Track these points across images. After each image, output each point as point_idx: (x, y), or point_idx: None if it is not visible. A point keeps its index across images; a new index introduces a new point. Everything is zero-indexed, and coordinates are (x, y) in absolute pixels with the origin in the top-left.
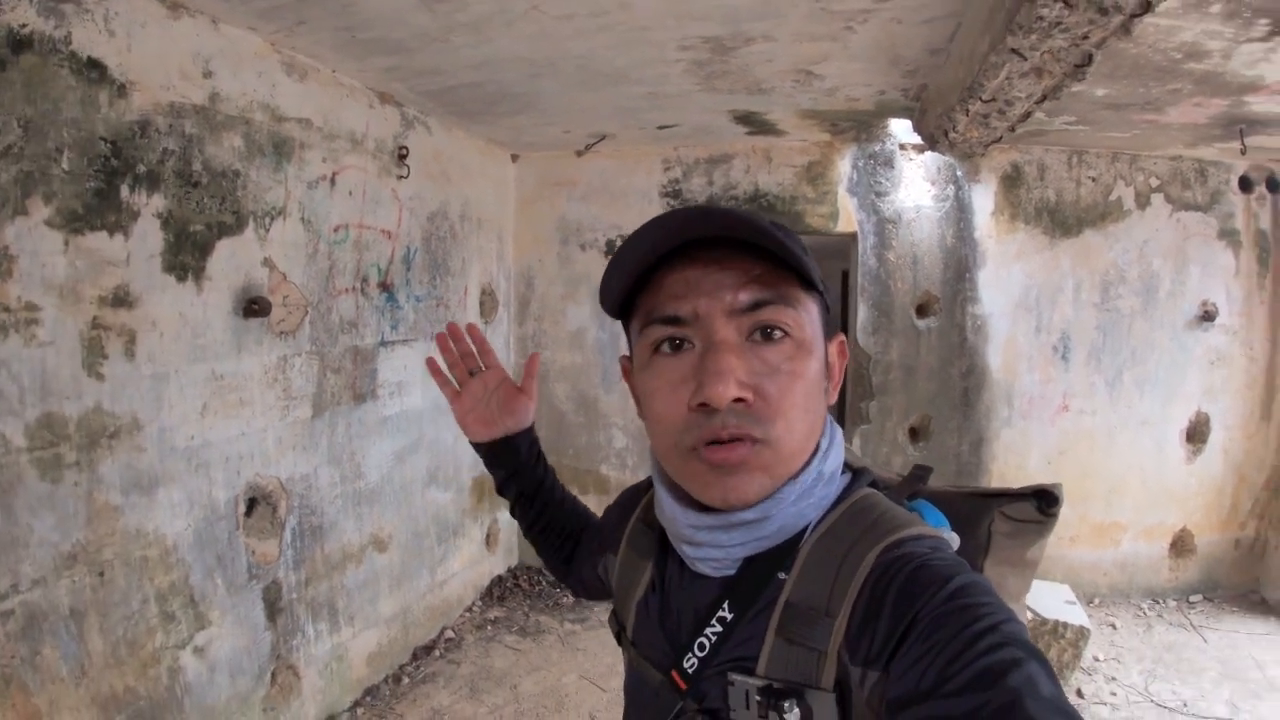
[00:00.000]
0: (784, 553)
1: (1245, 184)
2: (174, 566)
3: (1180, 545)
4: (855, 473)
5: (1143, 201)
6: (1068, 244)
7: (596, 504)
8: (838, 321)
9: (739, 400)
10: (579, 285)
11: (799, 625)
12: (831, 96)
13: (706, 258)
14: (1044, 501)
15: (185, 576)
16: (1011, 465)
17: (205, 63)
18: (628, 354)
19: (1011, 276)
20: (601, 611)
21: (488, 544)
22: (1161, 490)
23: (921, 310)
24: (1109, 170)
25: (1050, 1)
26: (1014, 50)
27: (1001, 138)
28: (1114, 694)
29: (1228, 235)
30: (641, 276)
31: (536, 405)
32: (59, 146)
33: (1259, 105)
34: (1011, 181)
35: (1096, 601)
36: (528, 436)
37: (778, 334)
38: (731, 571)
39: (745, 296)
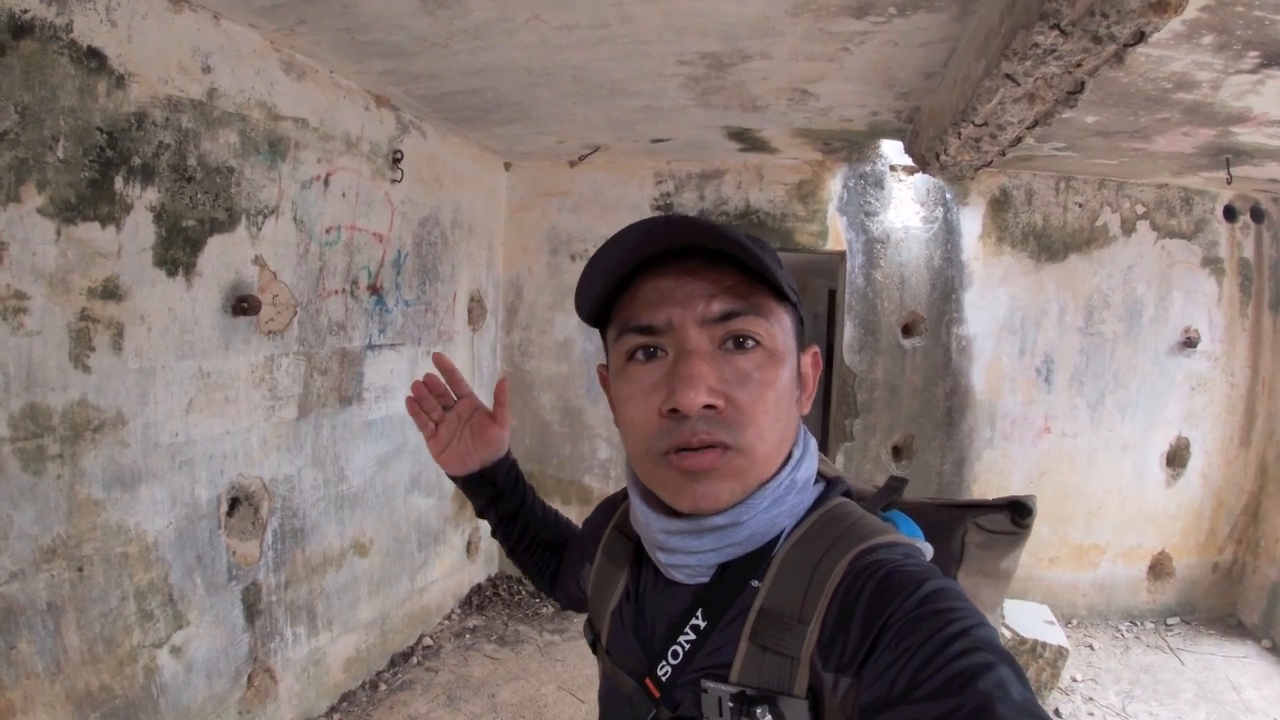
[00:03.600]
0: (757, 560)
1: (1230, 213)
2: (154, 564)
3: (1158, 568)
4: (829, 482)
5: (1128, 228)
6: (1053, 268)
7: (579, 515)
8: (820, 334)
9: (710, 407)
10: (567, 295)
11: (772, 632)
12: (825, 116)
13: (680, 267)
14: (1017, 513)
15: (165, 575)
16: (993, 485)
17: (205, 58)
18: (605, 363)
19: (997, 299)
20: (581, 622)
21: (468, 552)
22: (1140, 513)
23: (907, 330)
24: (1096, 196)
25: (1045, 29)
26: (1008, 75)
27: (992, 162)
28: (1091, 714)
29: (1211, 263)
30: (617, 284)
31: (509, 432)
32: (55, 135)
33: (1246, 136)
34: (999, 205)
35: (1075, 622)
36: (504, 464)
37: (749, 343)
38: (705, 579)
39: (717, 306)
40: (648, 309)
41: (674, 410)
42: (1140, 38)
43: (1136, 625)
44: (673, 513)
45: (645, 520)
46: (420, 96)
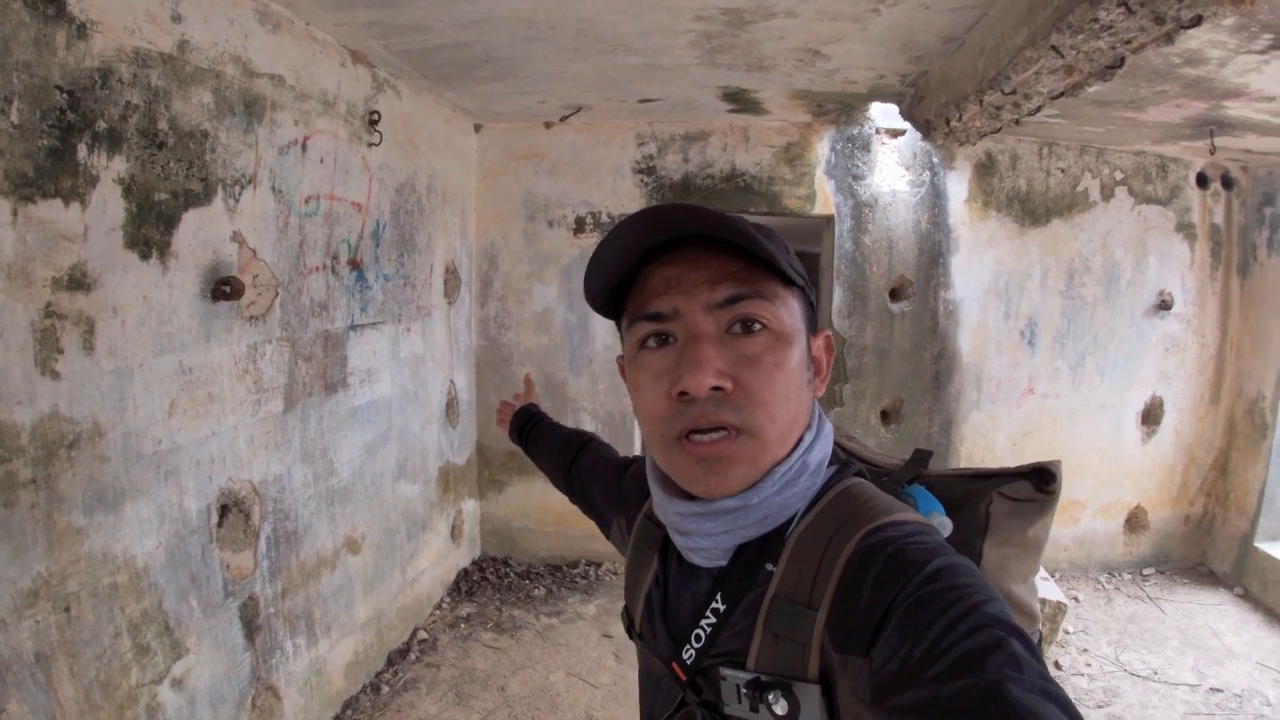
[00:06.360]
0: (772, 542)
1: (1202, 180)
2: (146, 592)
3: (1134, 521)
4: (842, 465)
5: (1107, 194)
6: (1036, 233)
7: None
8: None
9: (718, 389)
10: (546, 264)
11: (784, 619)
12: (829, 78)
13: (686, 255)
14: (1041, 479)
15: (158, 602)
16: (979, 447)
17: (174, 5)
18: (622, 354)
19: (983, 263)
20: (576, 603)
21: (453, 536)
22: (1118, 469)
23: (895, 294)
24: (1077, 162)
25: (1111, 5)
26: (1054, 47)
27: (1001, 128)
28: (1088, 665)
29: (1185, 228)
30: (627, 274)
31: (536, 398)
32: (8, 95)
33: (1235, 110)
34: (985, 170)
35: (1058, 576)
36: (530, 407)
37: (756, 326)
38: (723, 563)
39: (722, 291)
40: (656, 297)
41: (683, 393)
42: (1198, 21)
43: (1115, 576)
44: (686, 496)
45: (661, 505)
46: (401, 51)
